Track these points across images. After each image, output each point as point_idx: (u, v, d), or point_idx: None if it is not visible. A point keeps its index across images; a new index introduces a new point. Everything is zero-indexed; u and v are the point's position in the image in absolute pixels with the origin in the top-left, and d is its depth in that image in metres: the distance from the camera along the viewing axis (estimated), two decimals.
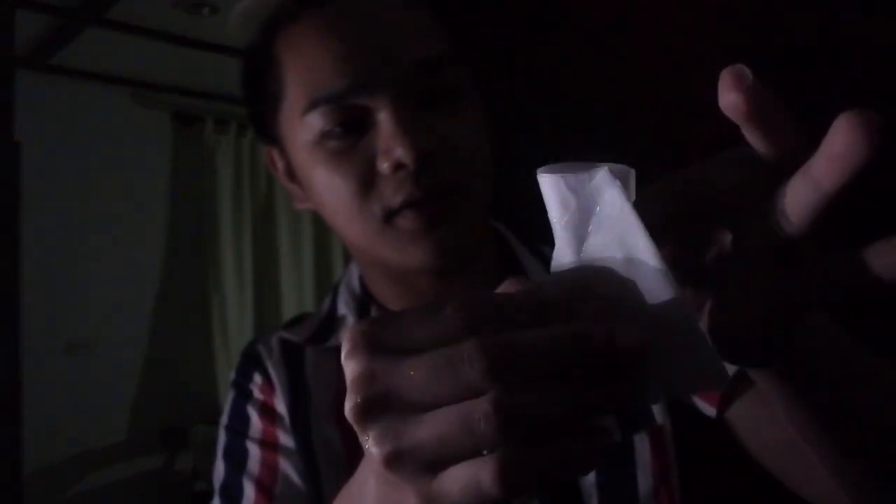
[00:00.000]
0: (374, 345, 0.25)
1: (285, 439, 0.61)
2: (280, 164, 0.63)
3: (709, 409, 0.56)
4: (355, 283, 0.67)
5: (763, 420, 0.52)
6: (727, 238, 0.29)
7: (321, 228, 3.57)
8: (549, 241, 0.30)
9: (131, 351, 3.06)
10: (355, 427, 0.25)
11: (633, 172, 0.29)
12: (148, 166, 3.15)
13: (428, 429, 0.24)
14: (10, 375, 1.41)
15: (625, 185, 0.28)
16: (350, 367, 0.25)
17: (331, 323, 0.66)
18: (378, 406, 0.25)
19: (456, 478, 0.24)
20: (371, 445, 0.25)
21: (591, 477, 0.55)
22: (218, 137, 3.26)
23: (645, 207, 0.27)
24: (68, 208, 2.89)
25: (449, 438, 0.24)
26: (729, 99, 0.25)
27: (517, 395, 0.23)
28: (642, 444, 0.57)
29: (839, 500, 0.40)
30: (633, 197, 0.28)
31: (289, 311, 3.37)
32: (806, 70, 0.89)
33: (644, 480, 0.57)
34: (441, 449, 0.24)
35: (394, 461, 0.24)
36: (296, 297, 3.43)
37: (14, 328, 1.42)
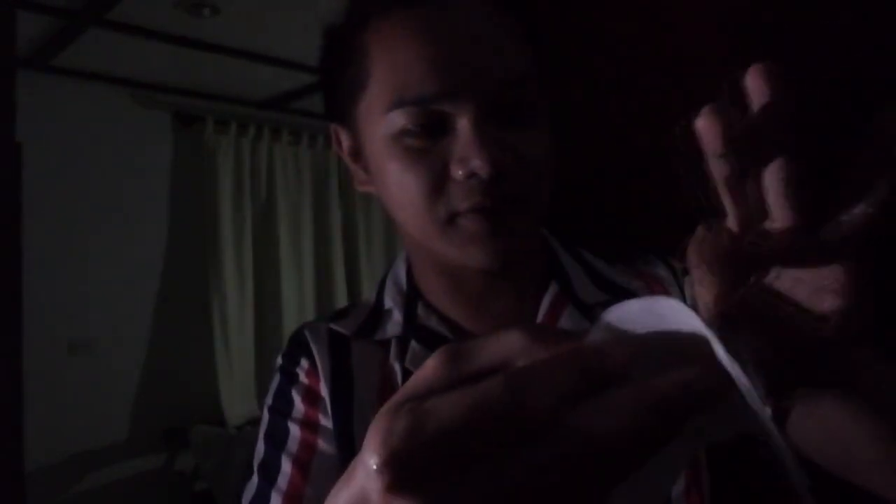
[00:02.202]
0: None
1: (326, 422, 0.63)
2: (346, 144, 0.64)
3: None
4: (402, 277, 0.69)
5: (816, 436, 0.52)
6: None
7: (321, 229, 3.58)
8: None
9: (132, 351, 3.06)
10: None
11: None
12: (148, 166, 3.16)
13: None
14: (11, 375, 1.41)
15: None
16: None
17: (377, 316, 0.68)
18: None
19: None
20: None
21: None
22: (218, 137, 3.26)
23: None
24: (69, 208, 2.90)
25: None
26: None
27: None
28: None
29: None
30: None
31: (289, 310, 3.38)
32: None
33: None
34: None
35: None
36: (296, 296, 3.43)
37: (16, 328, 1.43)
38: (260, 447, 0.64)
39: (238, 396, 3.18)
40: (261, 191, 3.41)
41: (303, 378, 0.65)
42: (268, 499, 0.59)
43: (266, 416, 0.65)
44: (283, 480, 0.60)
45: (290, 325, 3.34)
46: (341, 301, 3.54)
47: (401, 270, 0.69)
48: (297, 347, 0.68)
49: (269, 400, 0.66)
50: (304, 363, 0.66)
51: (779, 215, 0.28)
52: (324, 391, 0.64)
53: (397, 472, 0.23)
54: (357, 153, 0.63)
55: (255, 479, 0.62)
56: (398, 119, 0.54)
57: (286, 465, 0.61)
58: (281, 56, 2.76)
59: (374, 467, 0.23)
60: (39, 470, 2.66)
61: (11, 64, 1.51)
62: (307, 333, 0.68)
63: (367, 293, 0.74)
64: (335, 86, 0.62)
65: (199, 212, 3.23)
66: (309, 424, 0.63)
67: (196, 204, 3.23)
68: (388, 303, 0.68)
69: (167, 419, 3.10)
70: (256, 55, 2.74)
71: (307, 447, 0.61)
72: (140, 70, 2.95)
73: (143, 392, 3.08)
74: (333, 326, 0.68)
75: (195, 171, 3.24)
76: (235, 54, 2.74)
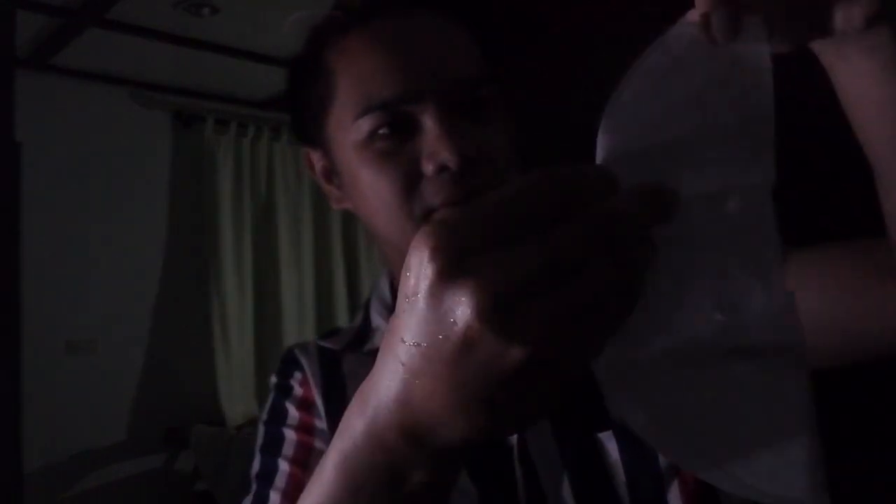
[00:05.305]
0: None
1: (321, 425, 0.64)
2: (319, 166, 0.66)
3: None
4: (387, 293, 0.70)
5: (805, 288, 0.52)
6: None
7: (321, 229, 3.57)
8: None
9: (132, 351, 3.06)
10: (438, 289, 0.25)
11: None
12: (148, 166, 3.15)
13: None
14: (10, 375, 1.41)
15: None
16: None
17: (366, 332, 0.69)
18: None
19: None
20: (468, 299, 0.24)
21: (614, 455, 0.57)
22: (218, 137, 3.26)
23: None
24: (69, 208, 2.90)
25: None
26: None
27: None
28: None
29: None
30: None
31: (289, 310, 3.38)
32: None
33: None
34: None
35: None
36: (296, 296, 3.43)
37: (15, 328, 1.43)
38: (256, 460, 0.65)
39: (238, 396, 3.18)
40: (261, 191, 3.40)
41: (297, 389, 0.67)
42: (266, 498, 0.60)
43: (261, 430, 0.67)
44: (280, 480, 0.61)
45: (290, 325, 3.34)
46: (341, 301, 3.54)
47: (385, 288, 0.71)
48: (289, 364, 0.70)
49: (263, 416, 0.68)
50: (297, 375, 0.68)
51: None
52: (317, 399, 0.65)
53: (446, 254, 0.25)
54: (329, 173, 0.65)
55: (253, 487, 0.63)
56: (366, 124, 0.57)
57: (284, 466, 0.62)
58: (281, 56, 2.76)
59: (426, 257, 0.25)
60: (39, 470, 2.66)
61: (11, 63, 1.51)
62: (296, 351, 0.70)
63: (368, 293, 0.75)
64: (304, 109, 0.65)
65: (199, 212, 3.22)
66: (304, 428, 0.64)
67: (196, 204, 3.22)
68: (377, 320, 0.69)
69: (167, 419, 3.09)
70: (256, 55, 2.74)
71: (304, 448, 0.63)
72: (140, 70, 2.95)
73: (143, 392, 3.07)
74: (322, 343, 0.70)
75: (195, 171, 3.24)
76: (235, 54, 2.74)
